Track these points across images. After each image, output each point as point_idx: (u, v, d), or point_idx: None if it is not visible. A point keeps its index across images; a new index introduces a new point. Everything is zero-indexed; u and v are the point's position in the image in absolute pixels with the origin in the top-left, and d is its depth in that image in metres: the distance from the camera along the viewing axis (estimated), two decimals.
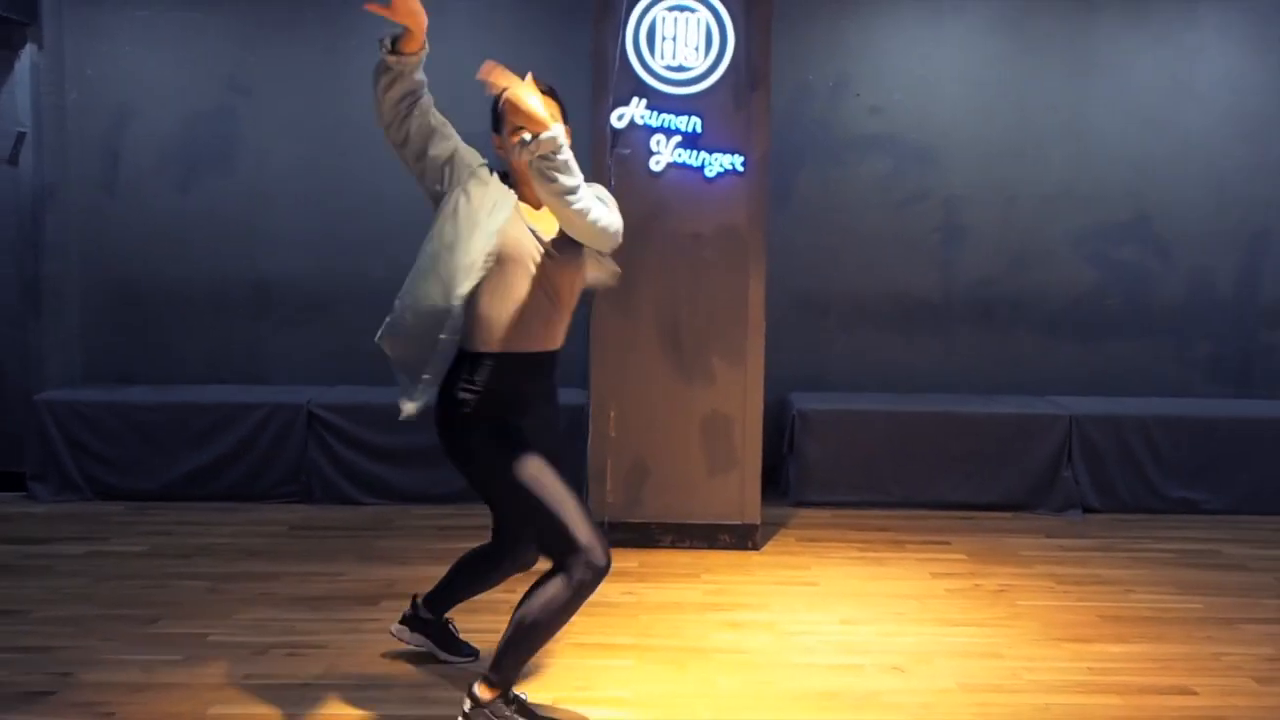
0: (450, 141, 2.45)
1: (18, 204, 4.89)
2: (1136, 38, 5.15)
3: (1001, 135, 5.18)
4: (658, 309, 4.06)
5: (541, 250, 2.42)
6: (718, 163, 3.97)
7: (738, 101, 3.96)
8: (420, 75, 2.38)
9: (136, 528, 4.33)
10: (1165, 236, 5.24)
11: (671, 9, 3.93)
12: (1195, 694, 2.87)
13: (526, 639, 2.43)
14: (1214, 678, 2.98)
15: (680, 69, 3.94)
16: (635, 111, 3.94)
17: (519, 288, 2.40)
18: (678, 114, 3.95)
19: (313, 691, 2.79)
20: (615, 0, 3.92)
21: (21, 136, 4.83)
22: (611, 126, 3.95)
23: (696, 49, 3.94)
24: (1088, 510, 4.80)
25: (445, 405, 2.47)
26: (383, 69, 2.33)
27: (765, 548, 4.18)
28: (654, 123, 3.95)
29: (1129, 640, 3.26)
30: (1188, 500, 4.85)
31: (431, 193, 2.47)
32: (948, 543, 4.28)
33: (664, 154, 3.96)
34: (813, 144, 5.13)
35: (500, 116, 2.43)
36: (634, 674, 2.93)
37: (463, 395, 2.42)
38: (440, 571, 3.50)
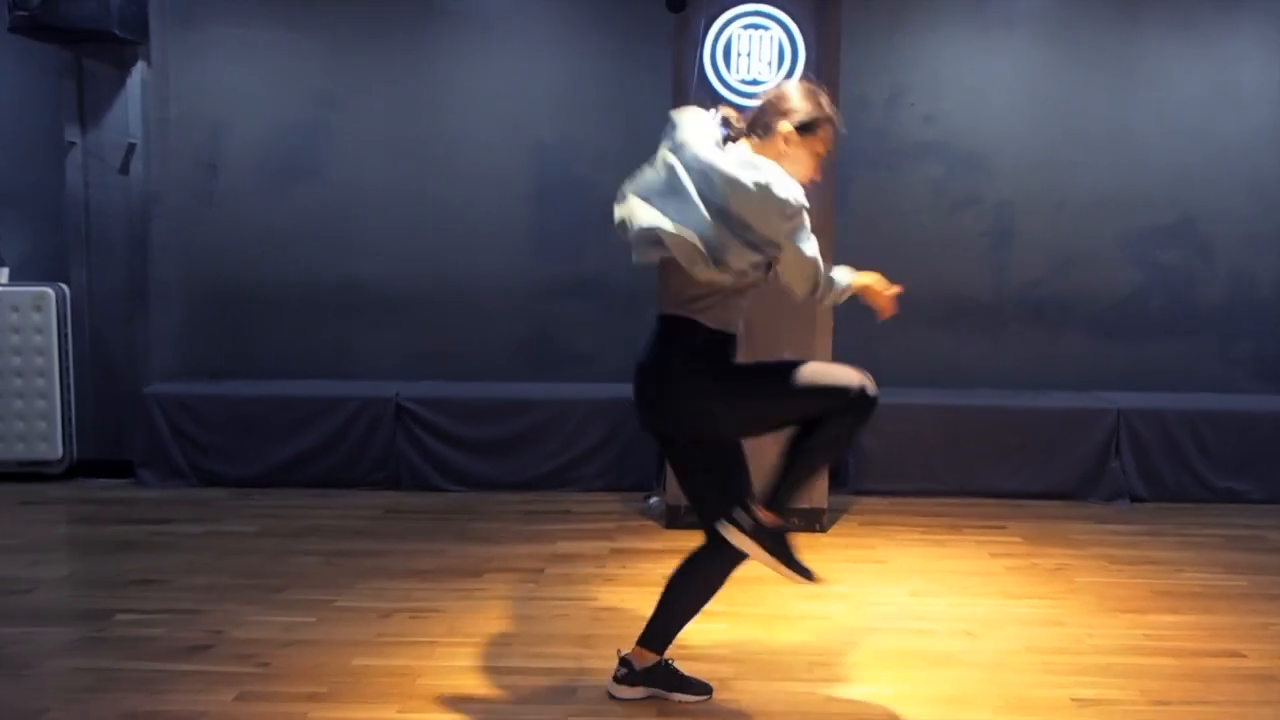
0: None
1: (128, 211, 5.26)
2: (1179, 48, 5.39)
3: (1049, 143, 5.43)
4: None
5: None
6: None
7: None
8: None
9: (244, 511, 4.67)
10: (1208, 239, 5.47)
11: (746, 27, 4.23)
12: (1245, 656, 3.12)
13: (809, 461, 2.62)
14: (1262, 644, 3.23)
15: (754, 82, 4.22)
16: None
17: None
18: None
19: (440, 648, 3.11)
20: (694, 19, 4.22)
21: (132, 148, 5.21)
22: None
23: (769, 64, 4.23)
24: (1135, 499, 5.03)
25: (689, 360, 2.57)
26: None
27: (831, 530, 4.45)
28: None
29: (1181, 612, 3.50)
30: (1233, 490, 5.07)
31: None
32: (1004, 527, 4.54)
33: None
34: (869, 151, 5.40)
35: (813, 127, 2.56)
36: (729, 635, 3.22)
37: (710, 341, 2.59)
38: (530, 549, 3.85)
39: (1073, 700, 2.79)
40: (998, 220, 5.46)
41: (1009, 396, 5.24)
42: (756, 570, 3.84)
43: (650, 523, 4.52)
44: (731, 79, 4.25)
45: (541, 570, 3.84)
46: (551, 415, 5.12)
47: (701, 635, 3.20)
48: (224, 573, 3.80)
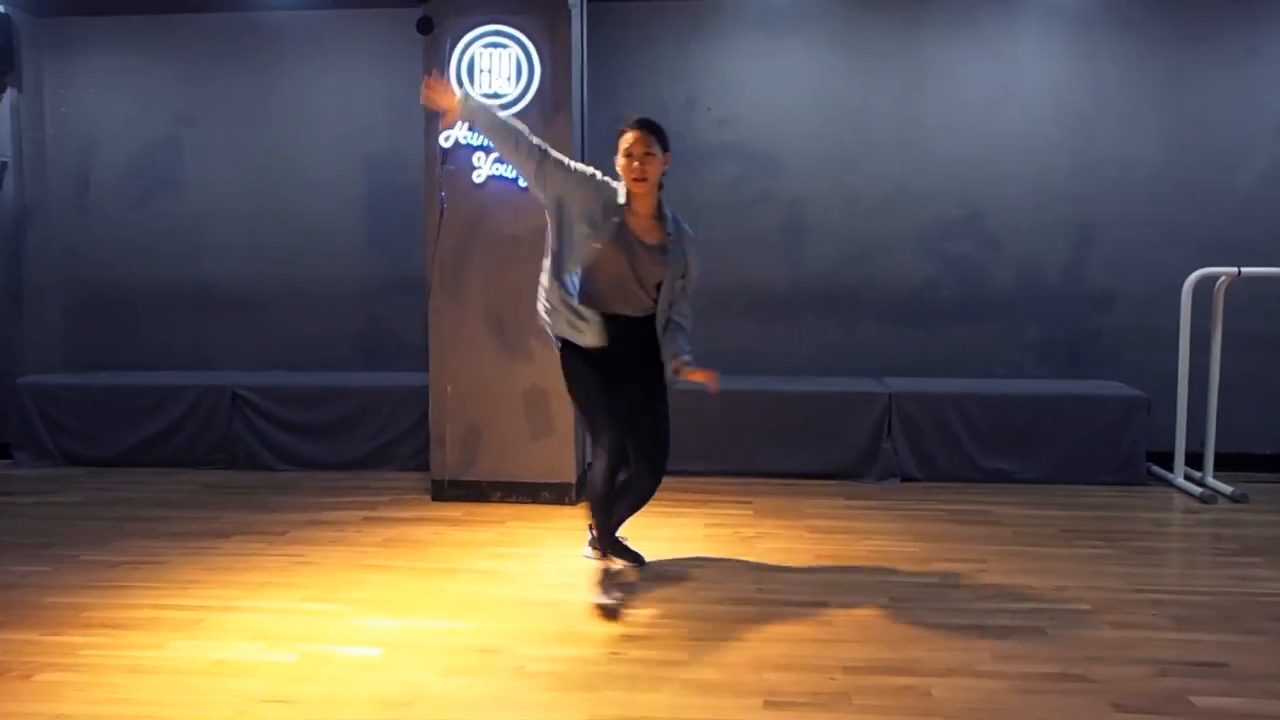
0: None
1: (1, 222, 5.91)
2: (963, 49, 5.67)
3: (840, 141, 5.76)
4: (485, 299, 4.79)
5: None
6: None
7: (545, 121, 4.66)
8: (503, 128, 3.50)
9: (85, 487, 5.25)
10: (996, 231, 5.73)
11: (487, 46, 4.67)
12: (829, 617, 3.46)
13: None
14: (845, 594, 3.56)
15: (496, 95, 4.67)
16: (459, 133, 4.69)
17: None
18: None
19: (126, 590, 3.61)
20: (440, 39, 4.68)
21: (4, 165, 5.85)
22: (440, 146, 4.71)
23: (509, 79, 4.67)
24: (908, 479, 5.33)
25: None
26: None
27: (582, 503, 4.85)
28: (475, 142, 4.69)
29: (812, 570, 3.84)
30: (1002, 470, 5.34)
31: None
32: (749, 502, 4.88)
33: (484, 168, 4.70)
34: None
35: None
36: (385, 583, 3.67)
37: None
38: (294, 516, 4.42)
39: (621, 636, 3.19)
40: (791, 216, 5.80)
41: (786, 382, 5.57)
42: (473, 537, 4.31)
43: (425, 497, 4.97)
44: (475, 93, 4.67)
45: (284, 533, 4.34)
46: (370, 401, 5.61)
47: (364, 583, 3.67)
48: (11, 533, 4.37)
